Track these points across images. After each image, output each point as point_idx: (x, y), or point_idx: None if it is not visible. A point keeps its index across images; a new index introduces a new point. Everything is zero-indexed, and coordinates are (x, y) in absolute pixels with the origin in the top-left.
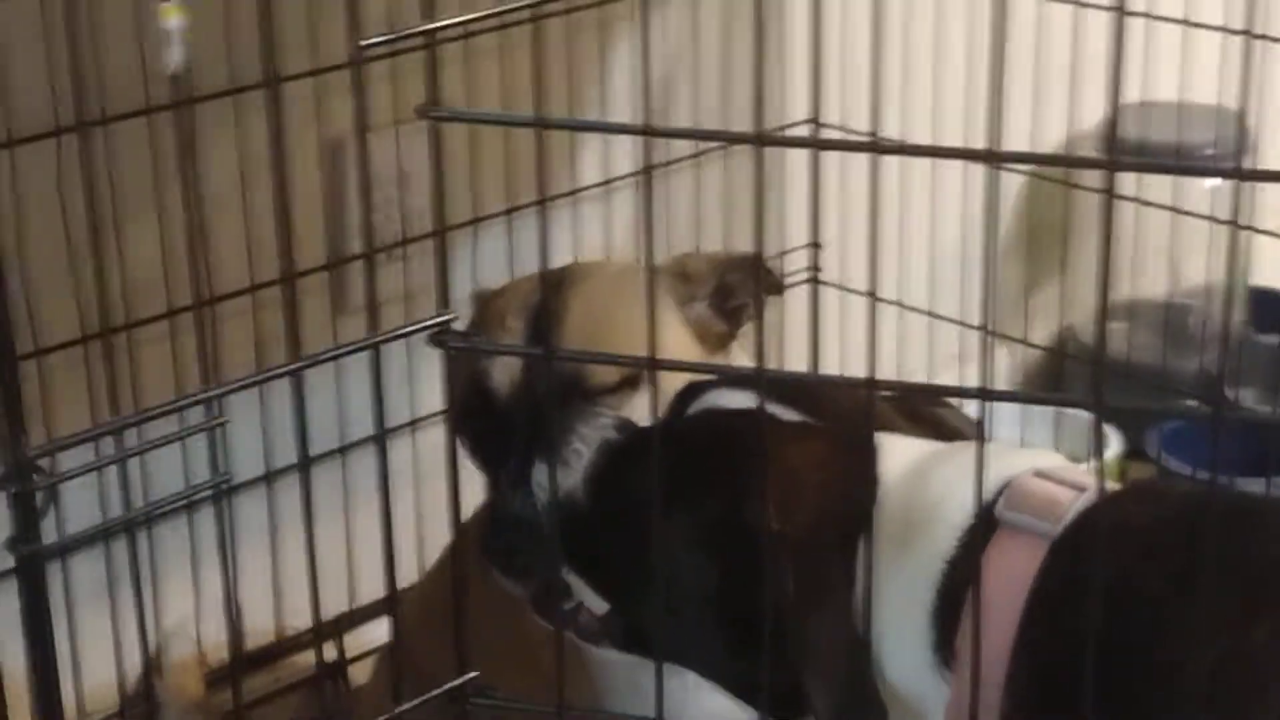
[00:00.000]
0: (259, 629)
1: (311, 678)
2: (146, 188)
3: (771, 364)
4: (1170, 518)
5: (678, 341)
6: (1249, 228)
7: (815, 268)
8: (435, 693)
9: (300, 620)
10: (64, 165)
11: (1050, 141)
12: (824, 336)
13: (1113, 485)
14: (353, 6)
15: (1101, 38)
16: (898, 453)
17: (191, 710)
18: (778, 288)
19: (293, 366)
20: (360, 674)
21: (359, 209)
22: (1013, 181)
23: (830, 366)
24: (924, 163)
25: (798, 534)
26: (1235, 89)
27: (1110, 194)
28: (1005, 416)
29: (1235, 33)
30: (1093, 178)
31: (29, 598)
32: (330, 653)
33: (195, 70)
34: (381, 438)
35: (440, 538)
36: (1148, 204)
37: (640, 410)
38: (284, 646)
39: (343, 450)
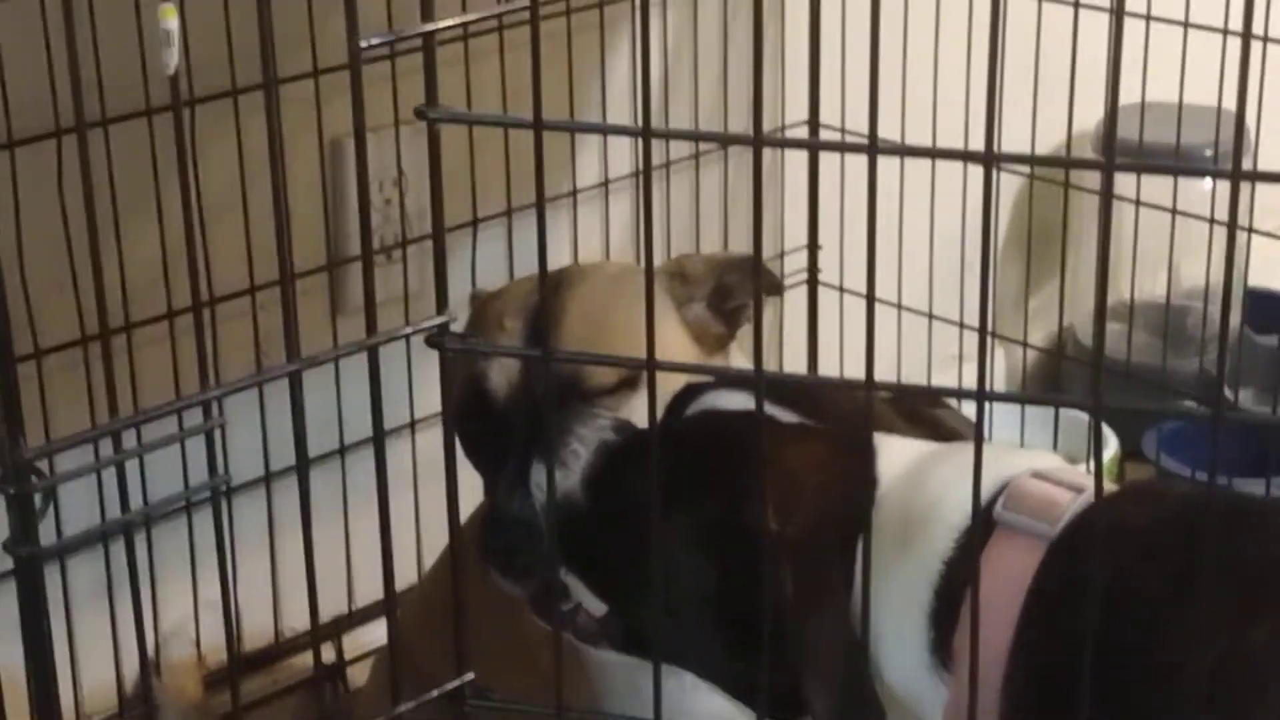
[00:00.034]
0: (257, 631)
1: (310, 679)
2: (146, 189)
3: (770, 365)
4: (1169, 519)
5: (676, 343)
6: (1248, 229)
7: (814, 269)
8: (433, 694)
9: (298, 622)
10: (63, 166)
11: (1049, 143)
12: (822, 337)
13: (1111, 486)
14: (351, 8)
15: (1100, 39)
16: (896, 454)
17: (190, 712)
18: (776, 289)
19: (290, 368)
20: (359, 676)
21: (357, 210)
22: (1011, 183)
23: (828, 367)
24: (922, 164)
25: (796, 535)
26: (1233, 90)
27: (1109, 195)
28: (1003, 417)
29: (1234, 34)
30: (1091, 179)
31: (27, 599)
32: (329, 654)
33: (194, 72)
34: (379, 439)
35: (439, 539)
36: (1146, 205)
37: (638, 411)
38: (282, 648)
39: (341, 452)
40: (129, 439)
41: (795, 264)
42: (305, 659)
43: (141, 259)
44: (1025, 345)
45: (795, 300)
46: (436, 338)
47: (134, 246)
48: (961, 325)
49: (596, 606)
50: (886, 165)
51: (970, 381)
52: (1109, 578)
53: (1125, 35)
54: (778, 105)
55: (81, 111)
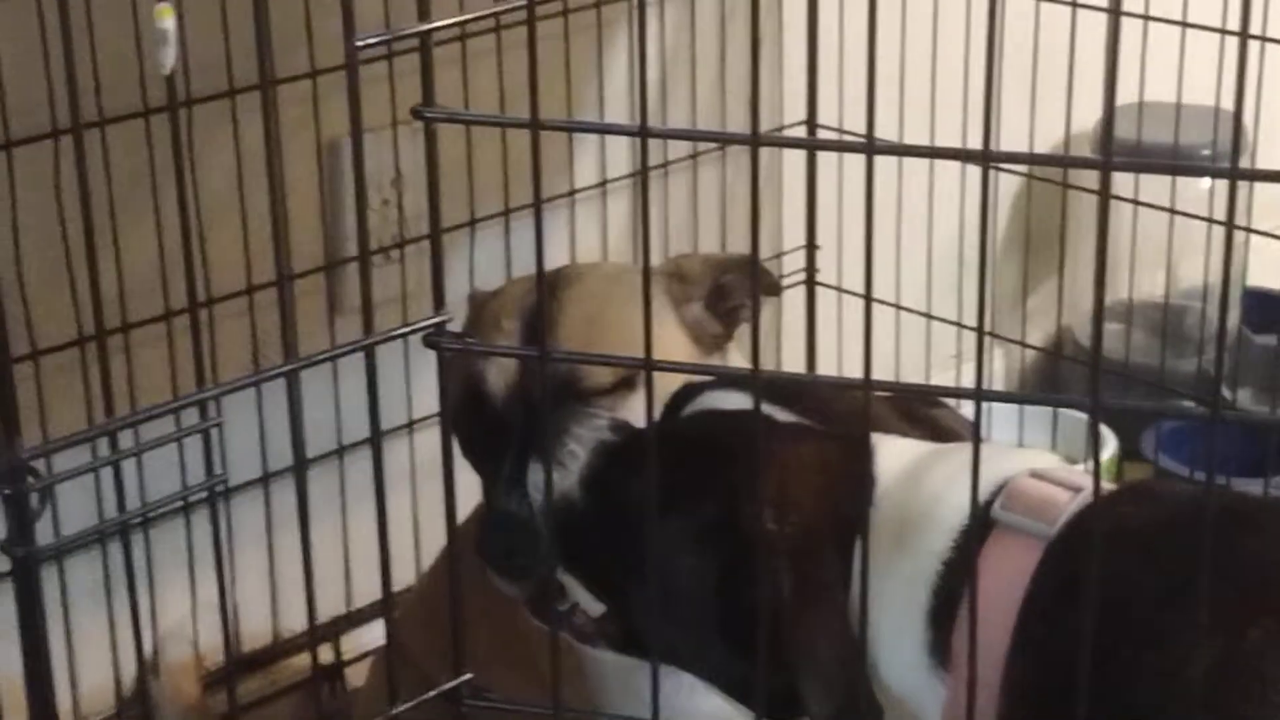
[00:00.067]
0: (255, 631)
1: (308, 680)
2: (142, 190)
3: (768, 365)
4: (1167, 519)
5: (673, 343)
6: (1245, 228)
7: (811, 269)
8: (430, 694)
9: (296, 622)
10: (60, 167)
11: (1047, 142)
12: (820, 338)
13: (1109, 486)
14: (348, 7)
15: (1098, 38)
16: (894, 454)
17: (188, 713)
18: (774, 289)
19: (287, 367)
20: (357, 676)
21: (355, 210)
22: (1009, 182)
23: (826, 368)
24: (920, 164)
25: (793, 535)
26: (1231, 89)
27: (1106, 195)
28: (1001, 417)
29: (1231, 33)
30: (1089, 178)
31: (23, 600)
32: (327, 655)
33: (191, 72)
34: (376, 439)
35: (437, 539)
36: (1144, 205)
37: (636, 411)
38: (280, 648)
39: (339, 452)
40: (126, 439)
41: (793, 264)
42: (303, 659)
43: (138, 259)
44: (1023, 345)
45: (793, 300)
46: (434, 338)
47: (131, 247)
48: (960, 325)
49: (594, 606)
50: (884, 165)
51: (968, 381)
52: (1107, 577)
53: (1123, 35)
54: (775, 105)
55: (78, 112)
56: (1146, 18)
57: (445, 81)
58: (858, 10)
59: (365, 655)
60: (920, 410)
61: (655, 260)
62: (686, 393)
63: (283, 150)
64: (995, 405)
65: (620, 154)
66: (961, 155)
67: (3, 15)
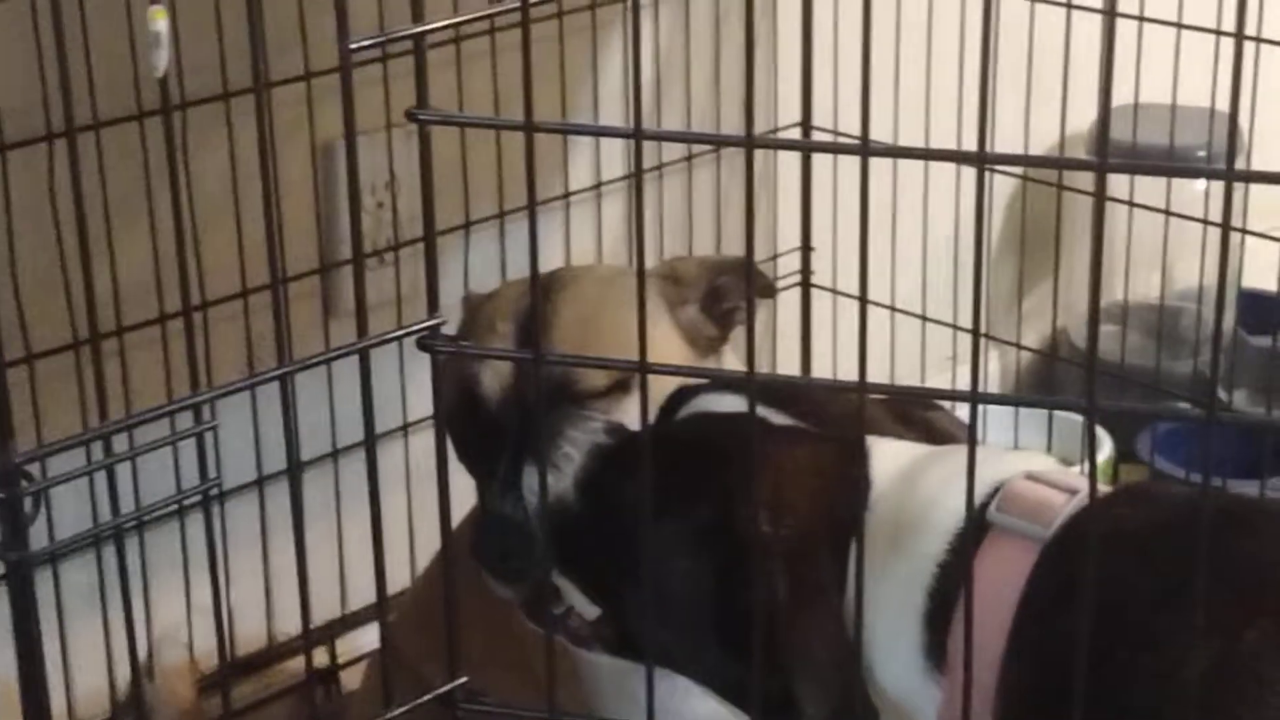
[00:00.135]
0: (250, 634)
1: (302, 683)
2: (137, 193)
3: (763, 367)
4: (1163, 521)
5: (669, 345)
6: (1241, 230)
7: (807, 271)
8: (426, 698)
9: (291, 625)
10: (54, 170)
11: (1042, 144)
12: (815, 340)
13: (1105, 488)
14: (341, 9)
15: (1093, 39)
16: (889, 456)
17: (182, 717)
18: (769, 291)
19: (282, 371)
20: (352, 679)
21: (349, 213)
22: (1004, 184)
23: (821, 370)
24: (915, 166)
25: (788, 538)
26: (1226, 91)
27: (1102, 196)
28: (997, 419)
29: (1226, 34)
30: (1084, 180)
31: (18, 604)
32: (322, 658)
33: (185, 75)
34: (371, 442)
35: (432, 543)
36: (1139, 206)
37: (631, 414)
38: (275, 652)
39: (334, 455)
40: (120, 443)
41: (788, 266)
42: (298, 663)
43: (133, 262)
44: (1019, 347)
45: (788, 302)
46: (428, 340)
47: (125, 250)
48: (955, 327)
49: (589, 609)
50: (879, 167)
51: (964, 383)
52: (1103, 580)
53: (1118, 36)
54: (770, 107)
55: (72, 115)
56: (1141, 19)
57: (440, 84)
58: (852, 12)
59: (360, 658)
60: (915, 412)
61: (650, 262)
62: (681, 395)
63: (277, 153)
64: (990, 407)
65: (615, 156)
66: (956, 157)
67: None
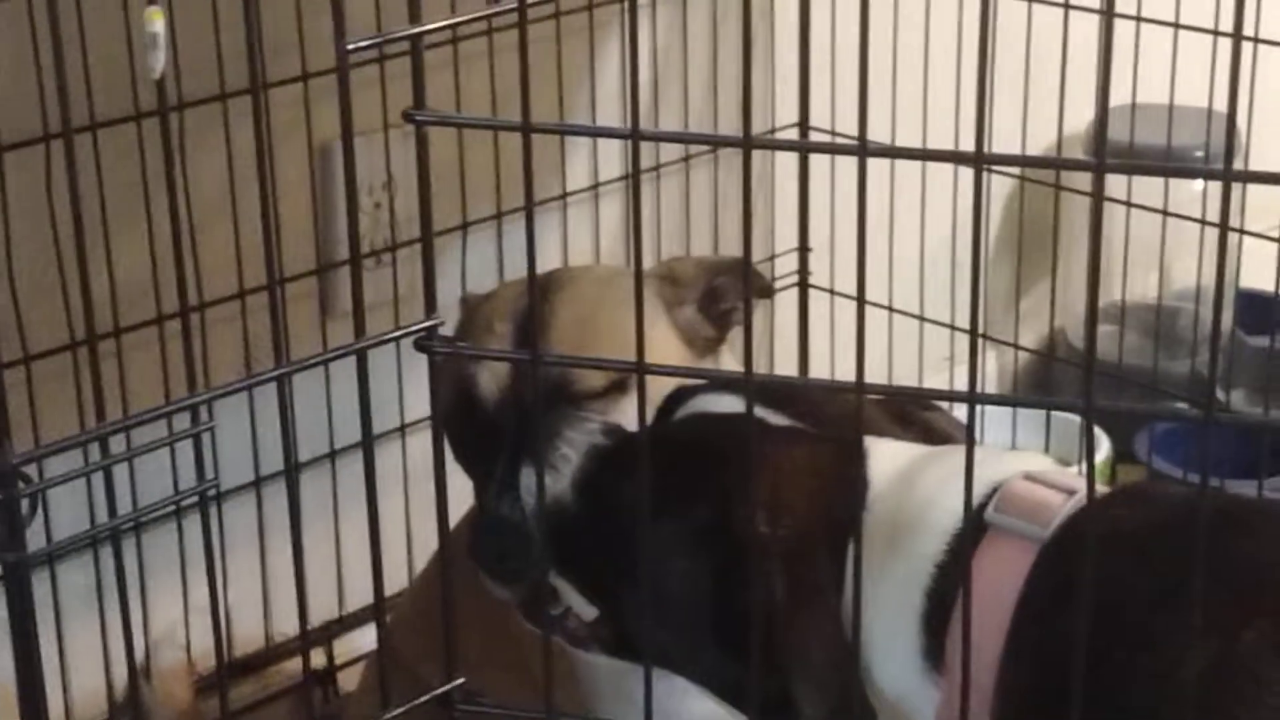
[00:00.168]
0: (248, 636)
1: (300, 684)
2: (134, 194)
3: (760, 368)
4: (1160, 521)
5: (666, 346)
6: (1239, 230)
7: (804, 271)
8: (423, 698)
9: (289, 626)
10: (51, 171)
11: (1039, 144)
12: (813, 340)
13: (1103, 488)
14: (338, 10)
15: (1090, 40)
16: (887, 457)
17: (180, 718)
18: (767, 291)
19: (279, 372)
20: (349, 680)
21: (346, 214)
22: (1002, 184)
23: (819, 370)
24: (912, 166)
25: (786, 538)
26: (1224, 91)
27: (1100, 196)
28: (995, 420)
29: (1224, 34)
30: (1082, 180)
31: (15, 605)
32: (319, 659)
33: (182, 75)
34: (368, 443)
35: (429, 543)
36: (1137, 206)
37: (628, 415)
38: (273, 653)
39: (331, 456)
40: (117, 444)
41: (786, 266)
42: (295, 664)
43: (130, 263)
44: (1016, 347)
45: (786, 303)
46: (425, 341)
47: (122, 251)
48: (953, 327)
49: (587, 610)
50: (877, 167)
51: (961, 383)
52: (1101, 580)
53: (1115, 36)
54: (767, 107)
55: (69, 116)
56: (1139, 19)
57: (437, 84)
58: (850, 12)
59: (358, 659)
60: (913, 413)
61: (648, 263)
62: (679, 396)
63: (274, 154)
64: (988, 407)
65: (613, 157)
66: (954, 157)
67: None
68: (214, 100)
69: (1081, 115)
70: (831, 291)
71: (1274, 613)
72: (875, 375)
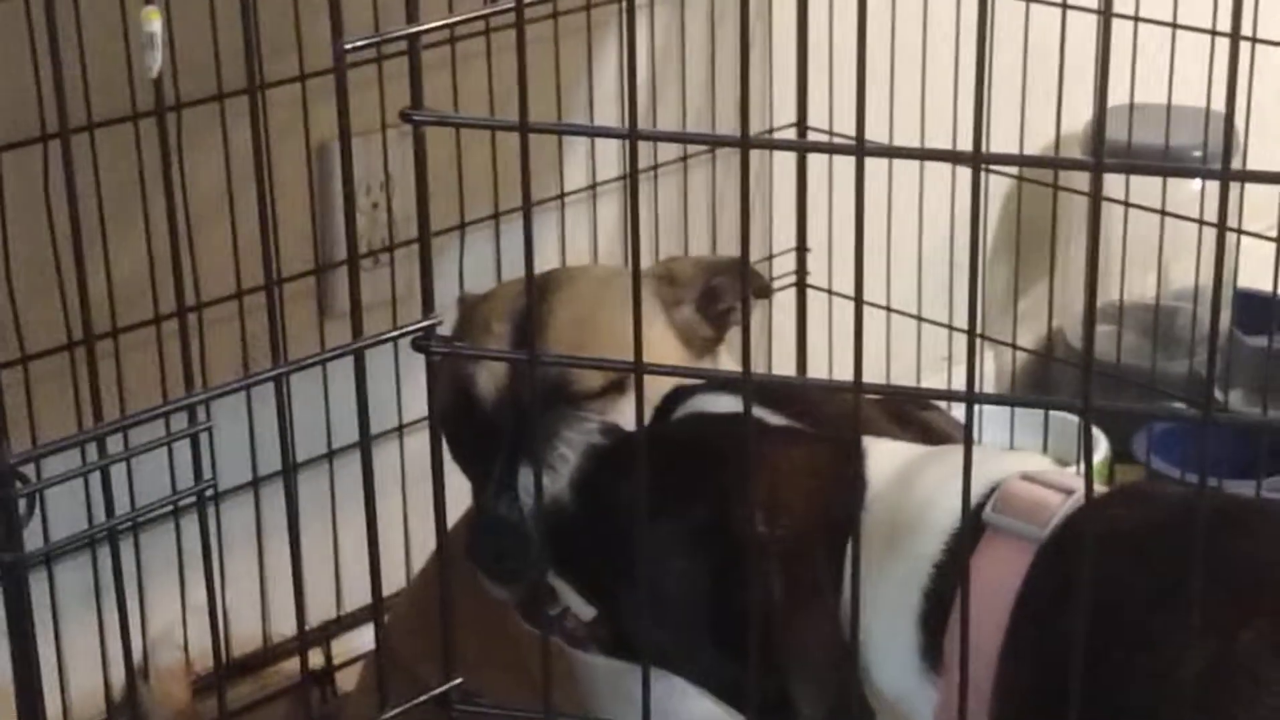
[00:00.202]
0: (245, 636)
1: (298, 684)
2: (131, 194)
3: (758, 368)
4: (1159, 521)
5: (664, 345)
6: (1237, 230)
7: (802, 271)
8: (421, 698)
9: (287, 627)
10: (48, 171)
11: (1037, 144)
12: (811, 340)
13: (1101, 488)
14: (336, 10)
15: (1088, 39)
16: (885, 456)
17: (177, 718)
18: (764, 291)
19: (276, 372)
20: (347, 680)
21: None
22: (1000, 184)
23: (817, 370)
24: (910, 166)
25: (784, 538)
26: (1222, 90)
27: (1098, 196)
28: (993, 420)
29: (1222, 34)
30: (1080, 180)
31: (12, 605)
32: (317, 659)
33: (179, 75)
34: (366, 443)
35: (427, 543)
36: (1135, 206)
37: (626, 415)
38: (271, 653)
39: (329, 456)
40: (115, 444)
41: (783, 266)
42: (293, 664)
43: (127, 263)
44: (1014, 347)
45: (783, 303)
46: (422, 341)
47: (119, 251)
48: (950, 327)
49: (585, 610)
50: (874, 167)
51: (959, 383)
52: (1099, 580)
53: (1113, 36)
54: (765, 107)
55: (66, 116)
56: (1137, 19)
57: (434, 84)
58: (847, 12)
59: (356, 659)
60: (911, 413)
61: (645, 263)
62: (677, 396)
63: (272, 154)
64: (986, 407)
65: (610, 156)
66: (952, 157)
67: None
68: (211, 100)
69: (1079, 115)
70: (829, 291)
71: (1272, 612)
72: (873, 375)
